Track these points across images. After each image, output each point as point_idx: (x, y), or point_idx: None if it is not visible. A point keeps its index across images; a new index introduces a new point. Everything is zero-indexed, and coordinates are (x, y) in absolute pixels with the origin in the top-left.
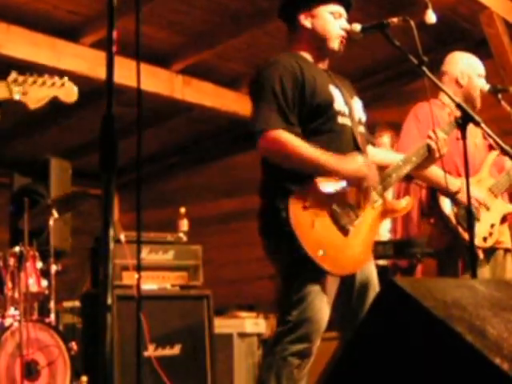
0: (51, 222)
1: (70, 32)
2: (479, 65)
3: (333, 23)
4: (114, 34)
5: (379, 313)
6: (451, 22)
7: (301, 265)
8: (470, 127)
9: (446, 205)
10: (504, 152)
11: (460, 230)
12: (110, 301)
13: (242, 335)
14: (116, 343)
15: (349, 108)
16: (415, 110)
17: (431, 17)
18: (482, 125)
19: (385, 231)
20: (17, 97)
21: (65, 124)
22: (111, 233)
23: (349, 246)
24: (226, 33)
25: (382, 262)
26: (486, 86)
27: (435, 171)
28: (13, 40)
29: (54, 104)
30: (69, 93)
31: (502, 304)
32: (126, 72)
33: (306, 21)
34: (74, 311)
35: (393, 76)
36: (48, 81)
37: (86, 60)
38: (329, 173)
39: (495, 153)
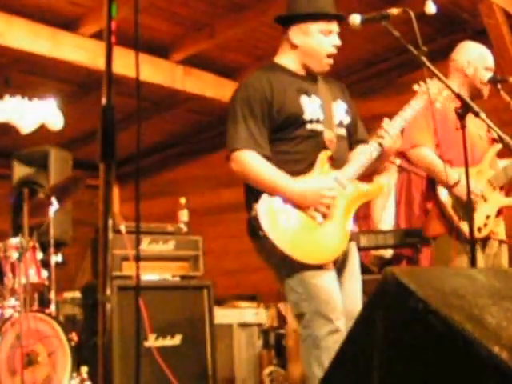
0: (51, 213)
1: (70, 23)
2: (489, 57)
3: (323, 43)
4: (113, 25)
5: (378, 303)
6: (451, 13)
7: (286, 261)
8: (475, 119)
9: (442, 192)
10: (503, 143)
11: (455, 218)
12: (109, 291)
13: (243, 325)
14: (116, 334)
15: (325, 114)
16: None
17: (431, 7)
18: (482, 115)
19: (389, 226)
20: (14, 121)
21: (65, 114)
22: (110, 223)
23: (324, 236)
24: (226, 23)
25: (387, 256)
26: (486, 77)
27: (435, 162)
28: (13, 31)
29: (54, 94)
30: (55, 121)
31: (501, 293)
32: (126, 62)
33: (295, 37)
34: (74, 302)
35: (392, 67)
36: (38, 107)
37: (86, 50)
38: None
39: (498, 145)
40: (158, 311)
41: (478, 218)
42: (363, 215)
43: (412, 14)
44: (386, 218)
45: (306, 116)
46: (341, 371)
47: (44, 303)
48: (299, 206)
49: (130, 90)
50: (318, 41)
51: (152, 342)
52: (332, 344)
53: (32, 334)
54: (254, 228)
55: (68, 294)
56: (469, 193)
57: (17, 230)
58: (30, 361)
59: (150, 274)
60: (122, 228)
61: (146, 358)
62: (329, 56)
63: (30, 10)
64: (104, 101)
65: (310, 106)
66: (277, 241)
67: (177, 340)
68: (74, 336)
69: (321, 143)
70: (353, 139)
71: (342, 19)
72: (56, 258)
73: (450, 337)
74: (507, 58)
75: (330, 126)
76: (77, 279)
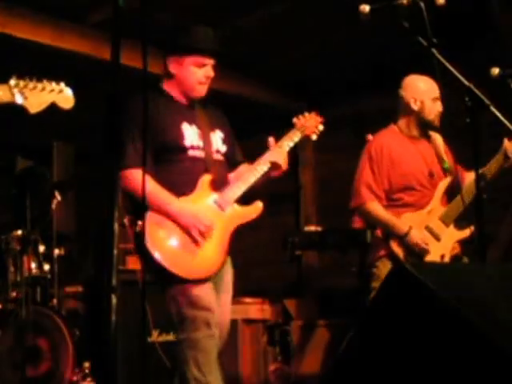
0: (54, 206)
1: (73, 12)
2: (434, 88)
3: (195, 74)
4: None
5: (389, 296)
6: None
7: (167, 274)
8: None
9: (394, 244)
10: None
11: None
12: (114, 282)
13: (247, 321)
14: (119, 328)
15: (204, 141)
16: (368, 148)
17: None
18: (492, 108)
19: None
20: (19, 101)
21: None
22: (116, 215)
23: (203, 254)
24: (232, 15)
25: None
26: (434, 108)
27: (382, 217)
28: (16, 21)
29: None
30: (66, 99)
31: None
32: (129, 53)
33: (172, 67)
34: (76, 296)
35: (400, 60)
36: (47, 86)
37: (89, 40)
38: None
39: (447, 180)
40: (161, 306)
41: (432, 260)
42: None
43: (422, 4)
44: None
45: (187, 142)
46: (350, 361)
47: (46, 297)
48: (177, 224)
49: (135, 82)
50: (191, 72)
51: (155, 337)
52: (209, 347)
53: (34, 328)
54: (138, 243)
55: (70, 288)
56: (477, 185)
57: (18, 222)
58: (31, 355)
59: None
60: (125, 222)
61: (149, 353)
62: (200, 83)
63: None
64: (110, 90)
65: (191, 134)
66: (158, 256)
67: None
68: (77, 330)
69: (202, 167)
70: (232, 162)
71: (215, 55)
72: (58, 252)
73: (460, 332)
74: None
75: (209, 152)
76: (79, 273)
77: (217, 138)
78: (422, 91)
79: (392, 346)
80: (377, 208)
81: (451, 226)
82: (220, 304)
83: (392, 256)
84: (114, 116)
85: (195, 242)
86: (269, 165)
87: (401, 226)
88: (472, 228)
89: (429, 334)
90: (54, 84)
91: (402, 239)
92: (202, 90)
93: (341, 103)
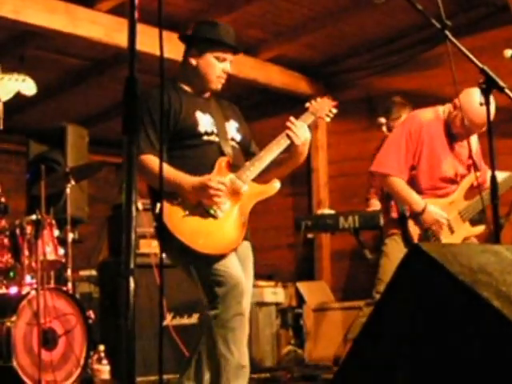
0: (68, 190)
1: None
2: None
3: (215, 67)
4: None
5: (405, 278)
6: None
7: (192, 253)
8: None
9: (411, 225)
10: None
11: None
12: (132, 265)
13: (261, 304)
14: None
15: (218, 128)
16: (409, 123)
17: None
18: (506, 90)
19: None
20: None
21: (81, 91)
22: (134, 194)
23: (223, 229)
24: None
25: None
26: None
27: (403, 192)
28: (29, 6)
29: (70, 71)
30: (29, 86)
31: None
32: (143, 38)
33: (193, 58)
34: (90, 280)
35: (413, 42)
36: (13, 77)
37: (103, 26)
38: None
39: (473, 176)
40: (174, 290)
41: None
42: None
43: None
44: None
45: (201, 128)
46: (368, 344)
47: (61, 281)
48: (192, 199)
49: (147, 67)
50: (211, 64)
51: (169, 320)
52: (237, 325)
53: (49, 312)
54: (159, 226)
55: (84, 272)
56: (493, 171)
57: (32, 206)
58: (47, 338)
59: None
60: (139, 205)
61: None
62: (218, 77)
63: None
64: (127, 74)
65: (205, 121)
66: (180, 235)
67: (194, 319)
68: (91, 314)
69: (219, 150)
70: (247, 152)
71: (237, 51)
72: (73, 236)
73: (477, 313)
74: None
75: (225, 138)
76: (92, 257)
77: (231, 127)
78: (475, 122)
79: (410, 326)
80: (399, 183)
81: (467, 223)
82: None
83: (403, 235)
84: (132, 100)
85: (214, 217)
86: (287, 141)
87: (419, 201)
88: (484, 227)
89: (445, 316)
90: (16, 75)
91: (418, 218)
92: (218, 84)
93: (353, 86)
